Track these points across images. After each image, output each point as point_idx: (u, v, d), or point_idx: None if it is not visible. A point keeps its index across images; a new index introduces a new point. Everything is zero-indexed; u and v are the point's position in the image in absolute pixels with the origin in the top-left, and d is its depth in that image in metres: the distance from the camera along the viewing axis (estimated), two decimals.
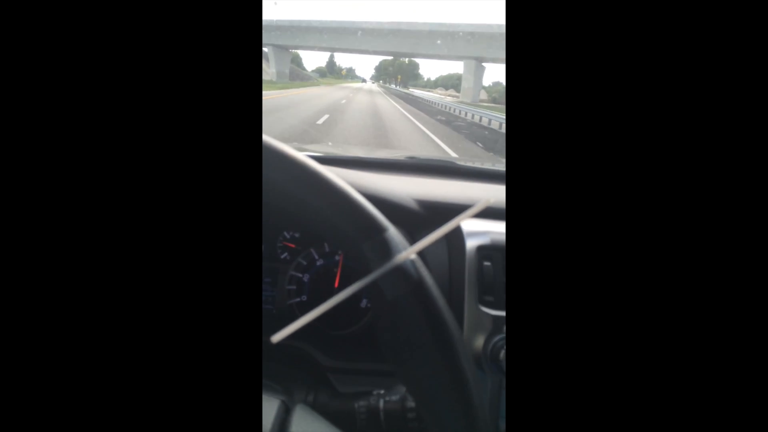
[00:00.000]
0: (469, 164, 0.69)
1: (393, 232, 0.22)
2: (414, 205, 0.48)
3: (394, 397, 0.36)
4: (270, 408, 0.27)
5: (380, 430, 0.31)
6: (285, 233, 0.55)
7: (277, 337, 0.19)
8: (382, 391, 0.37)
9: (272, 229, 0.54)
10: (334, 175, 0.22)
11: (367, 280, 0.21)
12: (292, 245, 0.54)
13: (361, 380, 0.44)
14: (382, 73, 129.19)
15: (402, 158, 0.74)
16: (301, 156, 0.21)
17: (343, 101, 14.36)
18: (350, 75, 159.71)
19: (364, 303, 0.54)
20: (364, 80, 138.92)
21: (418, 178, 0.63)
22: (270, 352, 0.36)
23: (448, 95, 52.00)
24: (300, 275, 0.53)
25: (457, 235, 0.44)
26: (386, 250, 0.21)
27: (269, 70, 40.31)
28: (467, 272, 0.41)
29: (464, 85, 36.70)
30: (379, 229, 0.22)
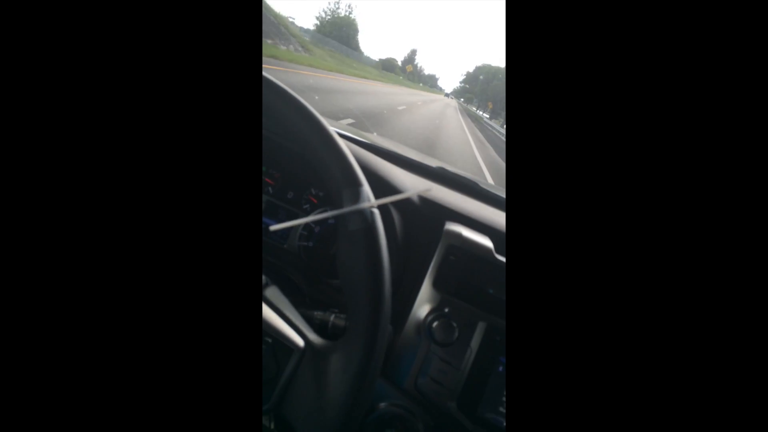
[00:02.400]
0: (493, 190, 0.74)
1: (366, 187, 0.31)
2: (416, 199, 0.58)
3: (342, 315, 0.47)
4: None
5: (325, 336, 0.37)
6: (312, 189, 0.67)
7: (275, 227, 0.29)
8: (336, 310, 0.49)
9: (303, 182, 0.67)
10: (340, 139, 0.31)
11: (340, 212, 0.30)
12: (315, 200, 0.67)
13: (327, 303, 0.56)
14: (467, 92, 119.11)
15: (432, 164, 0.78)
16: (319, 117, 0.31)
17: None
18: (430, 82, 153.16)
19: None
20: (447, 94, 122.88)
21: (435, 184, 0.69)
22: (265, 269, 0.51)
23: None
24: (313, 226, 0.66)
25: (440, 232, 0.53)
26: (357, 197, 0.30)
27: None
28: (433, 261, 0.52)
29: None
30: (358, 182, 0.31)
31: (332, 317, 0.47)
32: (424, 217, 0.57)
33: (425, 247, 0.55)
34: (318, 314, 0.48)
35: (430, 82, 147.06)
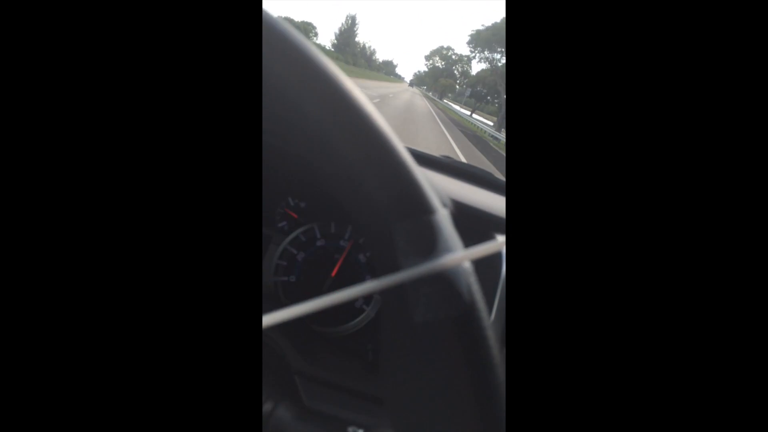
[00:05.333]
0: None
1: (445, 216, 0.15)
2: (451, 205, 0.39)
3: None
4: None
5: None
6: (290, 199, 0.47)
7: (268, 320, 0.14)
8: (360, 431, 0.28)
9: (276, 190, 0.46)
10: (377, 113, 0.15)
11: (388, 282, 0.14)
12: (295, 215, 0.47)
13: (337, 398, 0.34)
14: (424, 80, 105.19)
15: (438, 156, 0.65)
16: (334, 69, 0.14)
17: None
18: (388, 70, 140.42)
19: (359, 303, 0.45)
20: (411, 84, 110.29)
21: (452, 179, 0.57)
22: None
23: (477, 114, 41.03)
24: (295, 252, 0.45)
25: (493, 255, 0.36)
26: (431, 241, 0.14)
27: None
28: (496, 306, 0.33)
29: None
30: (427, 209, 0.14)
31: None
32: (462, 233, 0.34)
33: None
34: None
35: (385, 69, 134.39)
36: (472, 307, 0.14)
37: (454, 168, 0.60)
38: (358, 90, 0.14)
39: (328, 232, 0.47)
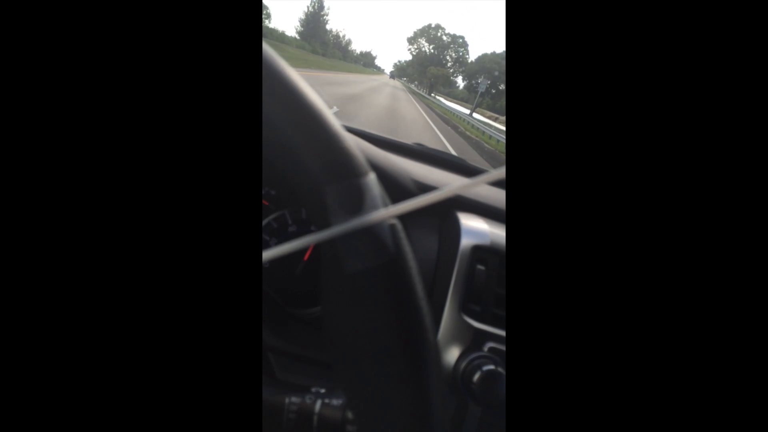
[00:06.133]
0: (483, 167, 0.65)
1: (372, 179, 0.17)
2: (412, 186, 0.42)
3: (336, 401, 0.28)
4: None
5: None
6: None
7: (267, 255, 0.15)
8: (322, 390, 0.29)
9: None
10: (310, 89, 0.17)
11: (322, 236, 0.15)
12: (266, 202, 0.47)
13: (306, 369, 0.37)
14: (406, 70, 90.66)
15: (409, 143, 0.67)
16: (278, 62, 0.16)
17: None
18: (366, 62, 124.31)
19: None
20: (392, 75, 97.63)
21: (423, 164, 0.58)
22: None
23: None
24: (267, 238, 0.46)
25: (453, 228, 0.38)
26: (358, 201, 0.16)
27: None
28: (456, 273, 0.35)
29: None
30: (354, 172, 0.16)
31: (318, 405, 0.28)
32: (423, 211, 0.42)
33: (436, 257, 0.40)
34: (293, 402, 0.28)
35: (363, 60, 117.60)
36: (397, 257, 0.16)
37: (425, 155, 0.63)
38: (294, 71, 0.16)
39: (299, 218, 0.48)
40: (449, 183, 0.44)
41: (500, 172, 0.16)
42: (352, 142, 0.17)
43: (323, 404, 0.27)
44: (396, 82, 63.16)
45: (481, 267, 0.36)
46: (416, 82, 73.02)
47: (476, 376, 0.31)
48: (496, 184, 0.54)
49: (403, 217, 0.39)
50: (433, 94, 54.17)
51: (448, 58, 73.25)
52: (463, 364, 0.33)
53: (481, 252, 0.36)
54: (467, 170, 0.62)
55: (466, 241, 0.36)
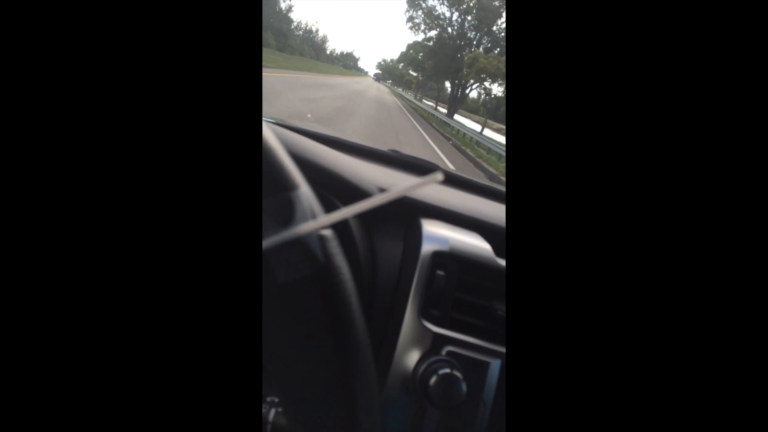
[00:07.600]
0: (458, 173, 0.64)
1: (305, 192, 0.17)
2: (376, 193, 0.41)
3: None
4: None
5: None
6: None
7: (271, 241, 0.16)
8: (276, 399, 0.29)
9: None
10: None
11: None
12: None
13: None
14: (393, 71, 76.71)
15: (384, 150, 0.67)
16: None
17: None
18: (347, 63, 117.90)
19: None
20: (377, 78, 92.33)
21: (396, 172, 0.58)
22: None
23: None
24: None
25: (416, 234, 0.39)
26: (287, 213, 0.16)
27: None
28: (416, 278, 0.36)
29: None
30: (285, 185, 0.17)
31: (272, 414, 0.29)
32: (390, 219, 0.42)
33: (399, 263, 0.40)
34: None
35: (343, 62, 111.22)
36: (327, 266, 0.17)
37: (399, 161, 0.63)
38: None
39: None
40: (421, 191, 0.43)
41: (437, 177, 0.16)
42: (285, 157, 0.17)
43: (277, 412, 0.27)
44: (380, 85, 55.06)
45: (440, 272, 0.36)
46: (402, 87, 62.60)
47: (433, 380, 0.31)
48: (467, 189, 0.55)
49: (369, 225, 0.39)
50: (424, 99, 39.10)
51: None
52: (421, 368, 0.33)
53: (441, 257, 0.37)
54: (445, 177, 0.49)
55: (427, 247, 0.37)
